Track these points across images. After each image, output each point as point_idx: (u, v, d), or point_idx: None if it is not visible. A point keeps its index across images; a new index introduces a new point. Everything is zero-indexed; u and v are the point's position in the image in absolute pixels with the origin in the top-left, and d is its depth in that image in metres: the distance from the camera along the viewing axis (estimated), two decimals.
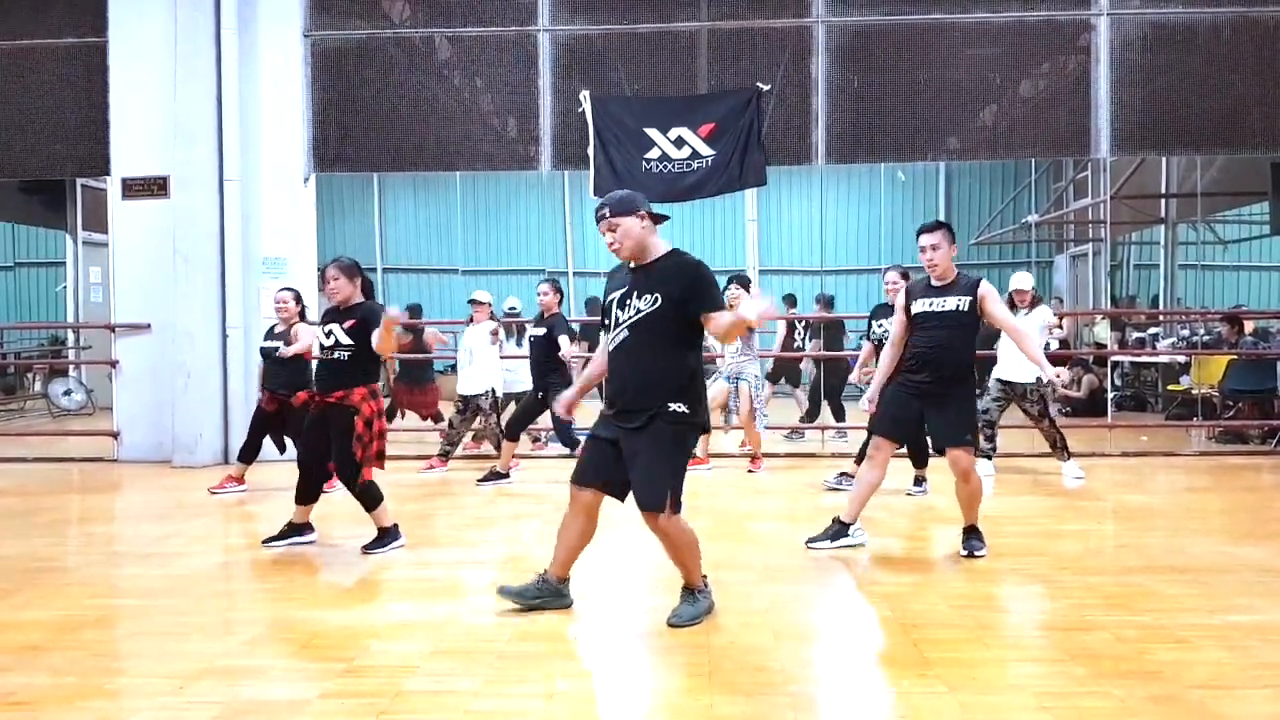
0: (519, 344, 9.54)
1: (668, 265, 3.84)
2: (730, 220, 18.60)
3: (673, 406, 3.74)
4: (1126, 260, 17.30)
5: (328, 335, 5.29)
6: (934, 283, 5.07)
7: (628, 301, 3.83)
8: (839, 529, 5.21)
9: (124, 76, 9.16)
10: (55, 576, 4.85)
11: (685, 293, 3.76)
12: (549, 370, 7.59)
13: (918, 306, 5.08)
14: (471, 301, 8.36)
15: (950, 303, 4.97)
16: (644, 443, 3.77)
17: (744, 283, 8.04)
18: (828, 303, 11.70)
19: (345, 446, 5.14)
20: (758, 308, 3.69)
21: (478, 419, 8.28)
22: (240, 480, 7.24)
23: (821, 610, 4.20)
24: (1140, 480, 7.85)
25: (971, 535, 5.05)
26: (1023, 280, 7.77)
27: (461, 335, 8.44)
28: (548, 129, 9.07)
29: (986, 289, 4.98)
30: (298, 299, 7.06)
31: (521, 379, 8.90)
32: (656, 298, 3.76)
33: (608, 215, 3.83)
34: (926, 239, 5.04)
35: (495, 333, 8.12)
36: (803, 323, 11.51)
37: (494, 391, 8.16)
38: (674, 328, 3.78)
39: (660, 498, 3.74)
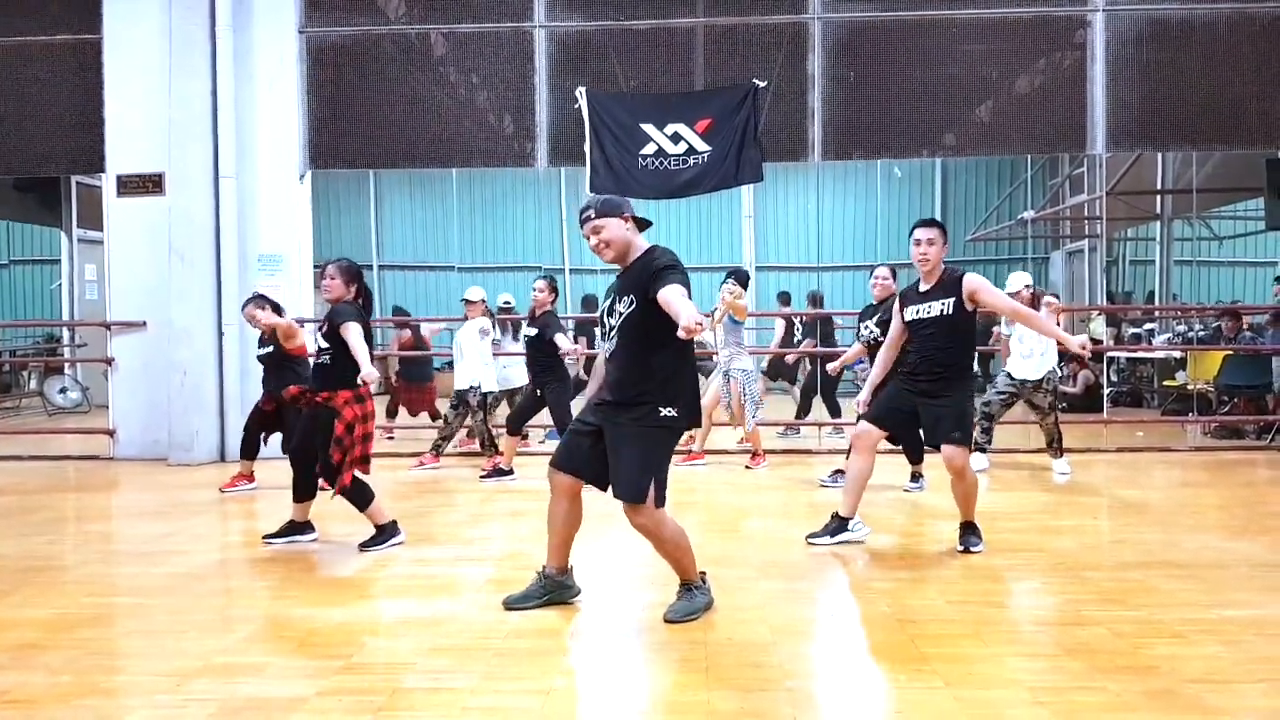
0: (515, 339, 9.53)
1: (638, 264, 3.82)
2: (727, 216, 18.59)
3: (661, 411, 3.75)
4: (1122, 256, 17.31)
5: (317, 342, 5.32)
6: (922, 285, 5.08)
7: (615, 308, 3.86)
8: (838, 524, 5.22)
9: (118, 73, 9.14)
10: (51, 575, 4.84)
11: (646, 285, 3.71)
12: (545, 368, 7.58)
13: (909, 314, 5.10)
14: (464, 300, 8.36)
15: (935, 307, 4.96)
16: (625, 437, 3.79)
17: (740, 278, 8.02)
18: (816, 300, 11.83)
19: (325, 449, 5.13)
20: (691, 317, 3.45)
21: (469, 416, 8.31)
22: (250, 478, 7.22)
23: (818, 606, 4.21)
24: (1136, 475, 7.86)
25: (969, 531, 5.06)
26: (1021, 280, 7.75)
27: (455, 332, 8.45)
28: (544, 125, 9.06)
29: (973, 283, 4.90)
30: (261, 305, 6.89)
31: (516, 375, 8.91)
32: (632, 299, 3.77)
33: (592, 216, 3.82)
34: (923, 233, 5.02)
35: (484, 331, 8.11)
36: (799, 319, 11.55)
37: (480, 388, 8.17)
38: (652, 327, 3.73)
39: (639, 490, 3.75)
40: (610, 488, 3.86)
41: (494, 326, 8.52)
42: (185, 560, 5.10)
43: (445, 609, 4.14)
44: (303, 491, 5.37)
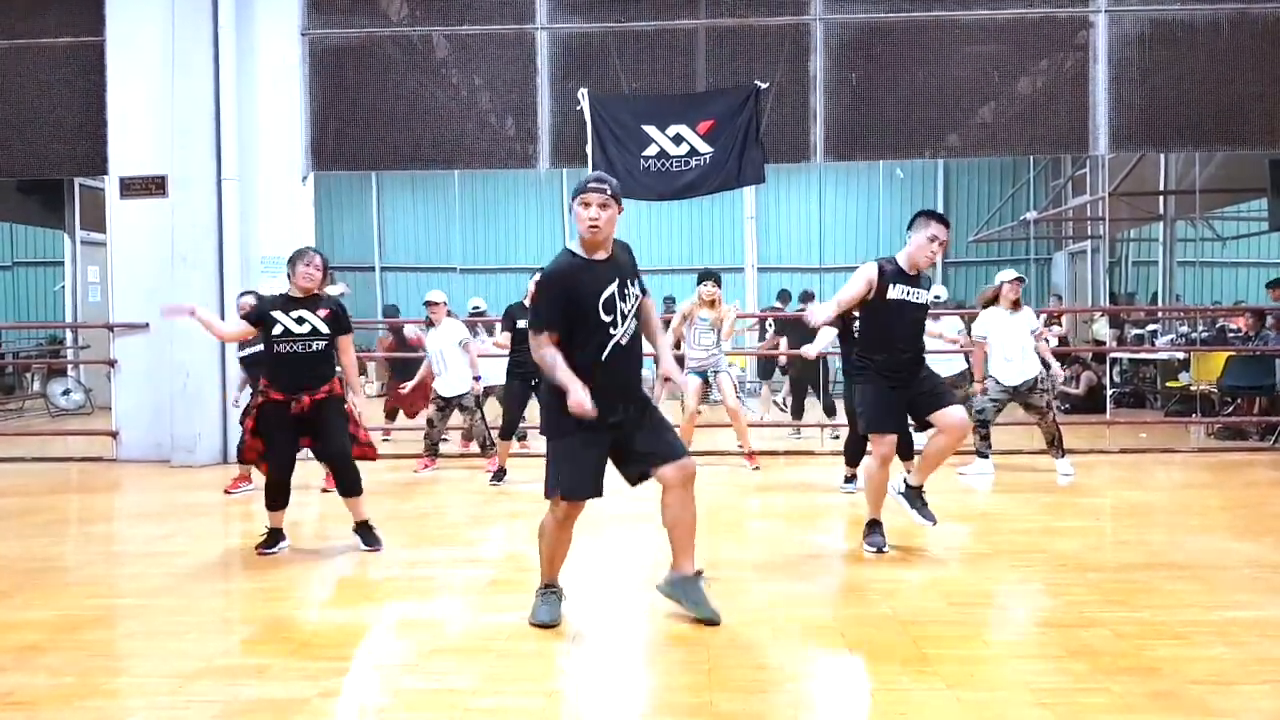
0: (491, 335, 9.58)
1: (625, 255, 3.90)
2: (729, 218, 18.60)
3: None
4: (1125, 257, 17.30)
5: (299, 322, 5.20)
6: (906, 268, 5.05)
7: (626, 292, 3.78)
8: (876, 528, 5.18)
9: (121, 76, 9.15)
10: (54, 576, 4.84)
11: (637, 276, 3.93)
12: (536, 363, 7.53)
13: (895, 292, 5.01)
14: (427, 303, 8.33)
15: (924, 296, 5.08)
16: (650, 416, 3.95)
17: (715, 279, 8.13)
18: (809, 299, 11.97)
19: (345, 429, 5.31)
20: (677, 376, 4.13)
21: (463, 417, 8.32)
22: (250, 479, 7.22)
23: (820, 607, 4.20)
24: (1139, 477, 7.85)
25: (915, 497, 5.22)
26: (1006, 276, 7.78)
27: (427, 337, 8.43)
28: (546, 127, 9.06)
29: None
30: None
31: (494, 374, 8.96)
32: (639, 284, 3.90)
33: (608, 193, 3.71)
34: (944, 233, 4.99)
35: (464, 342, 8.11)
36: (768, 319, 11.70)
37: (479, 384, 8.20)
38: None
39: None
40: (666, 463, 3.85)
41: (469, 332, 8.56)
42: (187, 562, 5.10)
43: (446, 610, 4.14)
44: (280, 503, 5.28)
